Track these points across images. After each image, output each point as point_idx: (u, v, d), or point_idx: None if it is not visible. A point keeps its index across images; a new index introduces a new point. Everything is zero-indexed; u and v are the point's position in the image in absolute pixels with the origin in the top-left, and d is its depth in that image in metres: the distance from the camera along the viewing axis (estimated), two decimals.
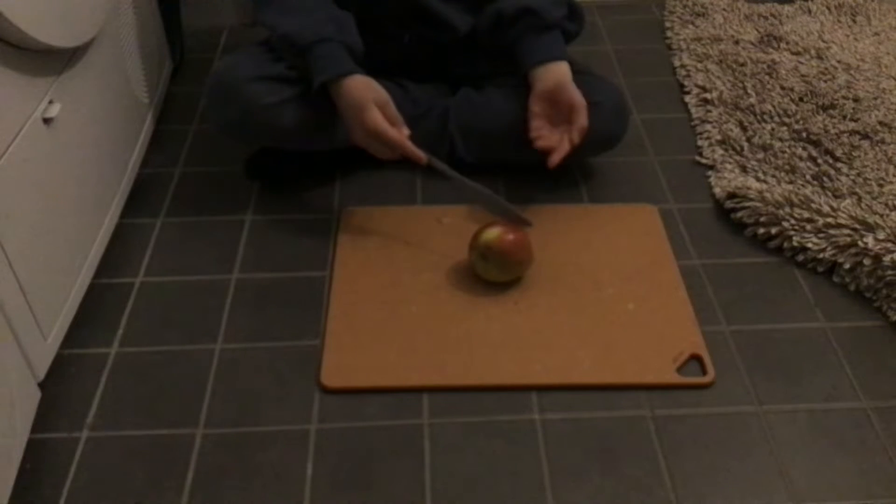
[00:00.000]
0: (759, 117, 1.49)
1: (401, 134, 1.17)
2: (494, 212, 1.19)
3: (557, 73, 1.22)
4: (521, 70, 1.25)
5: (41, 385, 0.99)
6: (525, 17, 1.24)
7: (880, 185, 1.31)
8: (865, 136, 1.43)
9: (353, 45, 1.19)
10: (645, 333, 1.10)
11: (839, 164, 1.36)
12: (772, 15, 1.84)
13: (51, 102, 1.01)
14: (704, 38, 1.76)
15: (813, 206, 1.25)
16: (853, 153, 1.39)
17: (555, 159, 1.21)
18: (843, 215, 1.22)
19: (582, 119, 1.20)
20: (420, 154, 1.17)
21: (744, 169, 1.38)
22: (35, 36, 0.94)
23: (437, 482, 0.94)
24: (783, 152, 1.40)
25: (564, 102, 1.21)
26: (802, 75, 1.61)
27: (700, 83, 1.61)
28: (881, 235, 1.18)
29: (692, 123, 1.53)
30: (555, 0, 1.25)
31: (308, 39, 1.16)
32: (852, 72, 1.62)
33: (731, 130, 1.46)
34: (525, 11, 1.24)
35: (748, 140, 1.44)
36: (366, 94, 1.15)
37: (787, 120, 1.48)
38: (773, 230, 1.25)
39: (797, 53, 1.69)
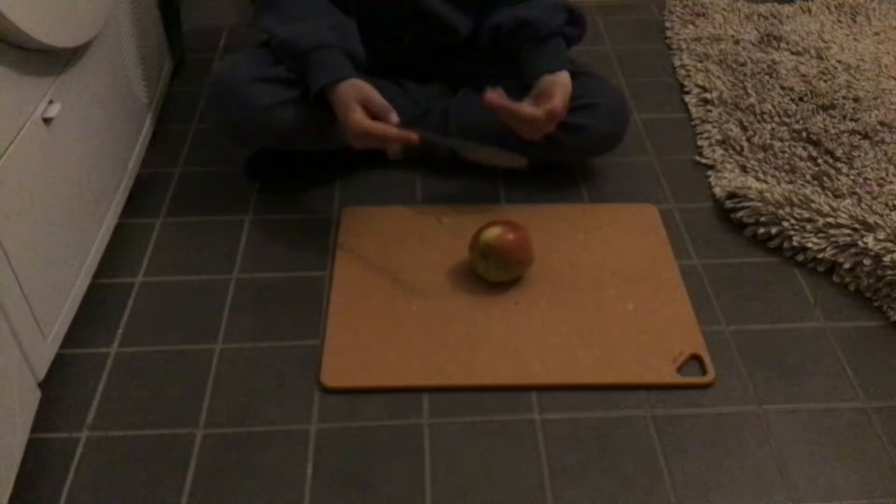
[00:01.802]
0: (759, 117, 1.49)
1: (385, 124, 1.14)
2: (499, 162, 1.18)
3: (562, 79, 1.22)
4: (524, 80, 1.25)
5: (41, 385, 0.98)
6: (523, 29, 1.24)
7: (880, 185, 1.31)
8: (865, 136, 1.43)
9: (353, 52, 1.19)
10: (645, 333, 1.10)
11: (839, 164, 1.36)
12: (772, 15, 1.84)
13: (51, 102, 1.01)
14: (704, 38, 1.76)
15: (813, 205, 1.25)
16: (853, 153, 1.39)
17: (492, 97, 1.19)
18: (843, 215, 1.22)
19: (554, 101, 1.18)
20: (411, 135, 1.14)
21: (744, 169, 1.38)
22: (35, 36, 0.94)
23: (437, 482, 0.94)
24: (783, 152, 1.40)
25: (546, 96, 1.20)
26: (802, 75, 1.61)
27: (700, 83, 1.61)
28: (881, 235, 1.18)
29: (692, 123, 1.53)
30: (551, 8, 1.25)
31: (306, 46, 1.16)
32: (852, 72, 1.62)
33: (731, 130, 1.46)
34: (523, 24, 1.24)
35: (748, 140, 1.44)
36: (349, 93, 1.15)
37: (787, 120, 1.48)
38: (773, 230, 1.25)
39: (797, 53, 1.69)
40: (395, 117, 1.15)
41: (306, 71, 1.17)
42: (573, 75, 1.27)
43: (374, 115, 1.15)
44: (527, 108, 1.19)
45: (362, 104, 1.15)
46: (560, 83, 1.21)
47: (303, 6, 1.21)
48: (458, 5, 1.32)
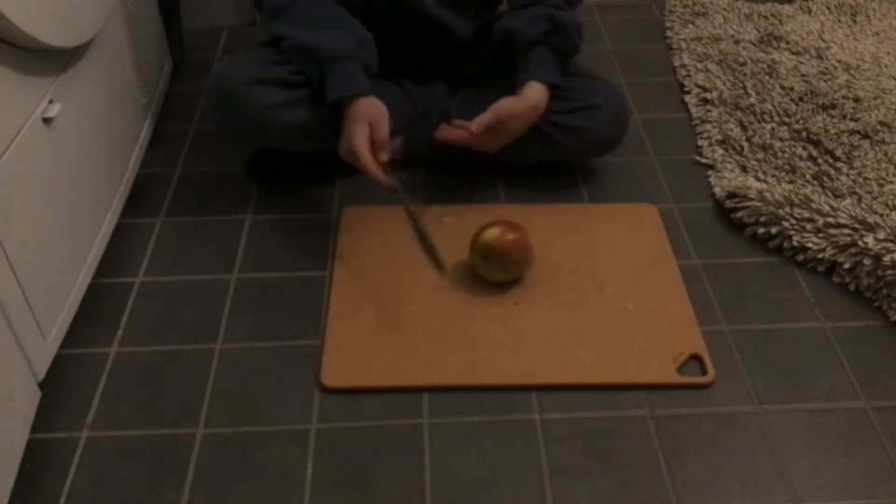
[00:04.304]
0: (759, 117, 1.49)
1: (373, 158, 1.14)
2: (425, 252, 1.15)
3: (524, 93, 1.23)
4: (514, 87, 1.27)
5: (41, 385, 0.99)
6: (508, 38, 1.28)
7: (880, 185, 1.31)
8: (865, 136, 1.43)
9: (370, 65, 1.20)
10: (645, 333, 1.10)
11: (839, 164, 1.36)
12: (772, 15, 1.84)
13: (51, 102, 1.01)
14: (704, 38, 1.76)
15: (813, 205, 1.25)
16: (853, 153, 1.39)
17: (444, 133, 1.26)
18: (843, 215, 1.22)
19: (483, 117, 1.22)
20: (391, 182, 1.15)
21: (744, 169, 1.38)
22: (35, 36, 0.94)
23: (437, 482, 0.94)
24: (783, 152, 1.40)
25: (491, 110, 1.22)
26: (802, 75, 1.61)
27: (700, 83, 1.61)
28: (881, 235, 1.18)
29: (692, 123, 1.53)
30: (532, 18, 1.26)
31: (330, 54, 1.17)
32: (852, 72, 1.62)
33: (731, 130, 1.46)
34: (507, 34, 1.28)
35: (748, 140, 1.44)
36: (364, 109, 1.15)
37: (787, 120, 1.48)
38: (773, 230, 1.25)
39: (797, 53, 1.69)
40: (384, 156, 1.17)
41: (325, 78, 1.18)
42: (572, 76, 1.27)
43: (372, 142, 1.16)
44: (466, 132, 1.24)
45: (370, 125, 1.15)
46: (520, 97, 1.23)
47: (316, 13, 1.21)
48: (456, 9, 1.32)
